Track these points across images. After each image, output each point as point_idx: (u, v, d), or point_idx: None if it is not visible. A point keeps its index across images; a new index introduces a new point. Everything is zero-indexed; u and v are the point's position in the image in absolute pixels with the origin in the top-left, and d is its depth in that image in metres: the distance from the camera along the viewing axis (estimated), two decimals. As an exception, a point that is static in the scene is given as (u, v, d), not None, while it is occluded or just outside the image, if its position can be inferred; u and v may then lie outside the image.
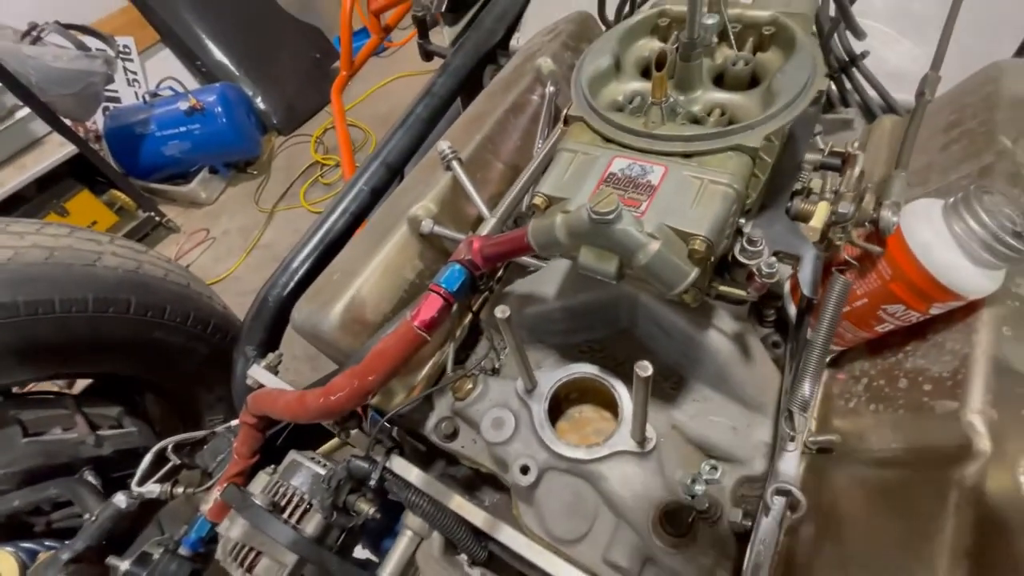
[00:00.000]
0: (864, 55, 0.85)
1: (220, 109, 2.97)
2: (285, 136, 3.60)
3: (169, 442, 0.99)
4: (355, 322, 0.70)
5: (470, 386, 0.69)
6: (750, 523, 0.58)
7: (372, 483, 0.74)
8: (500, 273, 0.83)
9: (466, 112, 0.93)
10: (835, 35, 0.82)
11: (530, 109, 0.91)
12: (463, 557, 0.74)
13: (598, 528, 0.63)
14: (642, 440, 0.59)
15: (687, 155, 0.49)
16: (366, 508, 0.78)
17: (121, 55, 3.00)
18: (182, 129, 2.96)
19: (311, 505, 0.78)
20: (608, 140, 0.52)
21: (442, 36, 1.47)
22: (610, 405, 0.70)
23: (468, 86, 1.22)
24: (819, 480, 0.57)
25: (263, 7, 3.47)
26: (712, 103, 0.52)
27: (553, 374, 0.67)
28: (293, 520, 0.75)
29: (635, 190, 0.48)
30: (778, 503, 0.55)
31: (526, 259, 0.79)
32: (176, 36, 3.16)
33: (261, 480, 0.80)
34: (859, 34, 0.76)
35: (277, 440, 0.96)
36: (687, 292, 0.52)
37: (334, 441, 0.99)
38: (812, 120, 0.60)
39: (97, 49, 2.40)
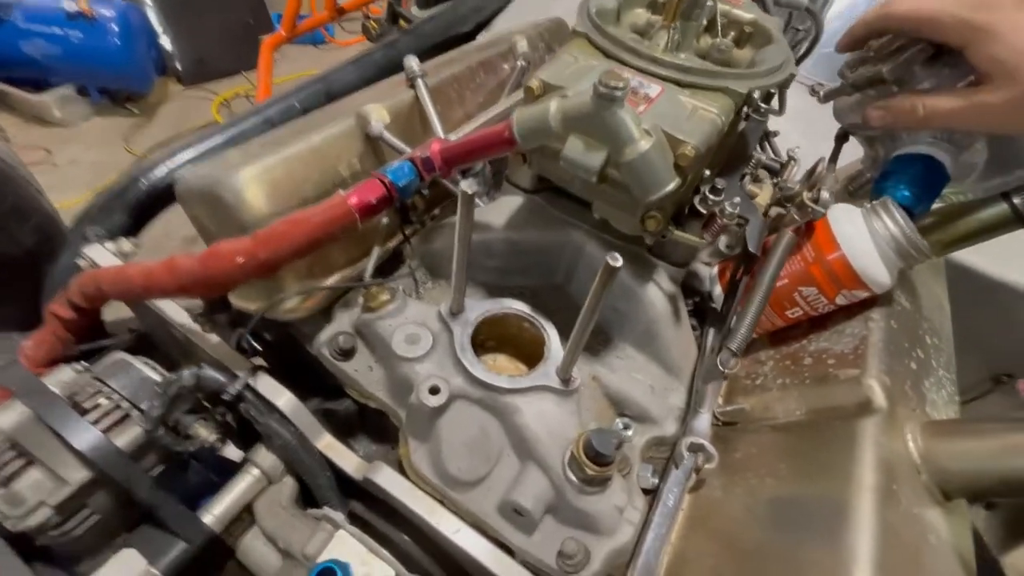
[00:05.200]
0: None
1: (116, 27, 2.58)
2: (185, 87, 3.22)
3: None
4: (268, 190, 0.58)
5: (387, 297, 0.61)
6: (657, 480, 0.56)
7: (226, 397, 0.60)
8: (436, 210, 0.78)
9: (436, 58, 0.91)
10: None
11: (499, 74, 0.91)
12: (318, 512, 0.61)
13: (498, 473, 0.56)
14: (568, 379, 0.56)
15: (681, 84, 0.51)
16: (204, 434, 0.62)
17: (4, -74, 2.52)
18: (57, 31, 2.50)
19: (130, 415, 0.60)
20: (608, 56, 0.53)
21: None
22: (527, 357, 0.65)
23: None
24: (724, 446, 0.57)
25: (205, -49, 3.20)
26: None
27: (482, 304, 0.61)
28: (100, 427, 0.57)
29: (633, 96, 0.48)
30: (689, 458, 0.54)
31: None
32: (87, -65, 2.75)
33: (65, 373, 0.60)
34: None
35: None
36: (652, 217, 0.52)
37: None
38: (760, 126, 0.68)
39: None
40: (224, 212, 0.58)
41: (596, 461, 0.48)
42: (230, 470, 0.65)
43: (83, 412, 0.57)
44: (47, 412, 0.53)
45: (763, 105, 0.64)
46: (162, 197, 0.82)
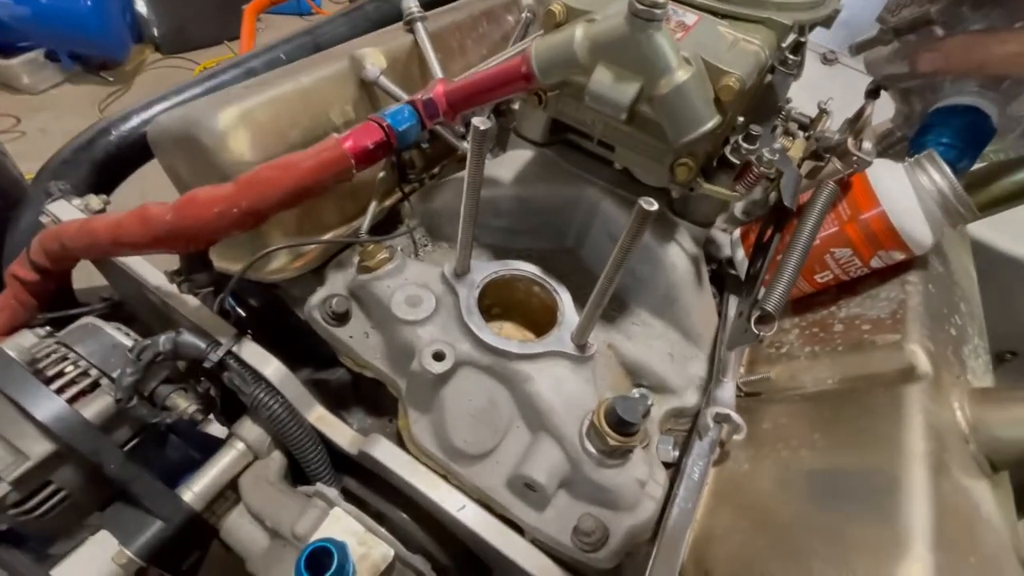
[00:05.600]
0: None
1: (88, -12, 2.43)
2: (163, 55, 3.07)
3: None
4: (252, 133, 0.52)
5: (385, 256, 0.55)
6: (678, 453, 0.52)
7: (207, 365, 0.54)
8: (436, 169, 0.72)
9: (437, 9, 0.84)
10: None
11: (503, 26, 0.85)
12: (309, 488, 0.56)
13: (507, 445, 0.51)
14: (583, 344, 0.51)
15: (718, 14, 0.45)
16: (183, 405, 0.57)
17: None
18: (24, -10, 2.34)
19: (100, 384, 0.54)
20: (637, -16, 0.47)
21: None
22: (535, 326, 0.61)
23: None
24: (749, 417, 0.53)
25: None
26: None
27: (489, 265, 0.56)
28: (65, 396, 0.51)
29: (666, 23, 0.43)
30: (714, 429, 0.50)
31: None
32: None
33: (26, 338, 0.54)
34: None
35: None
36: (684, 164, 0.47)
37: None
38: (787, 80, 0.63)
39: None
40: (202, 157, 0.52)
41: (620, 430, 0.43)
42: (213, 447, 0.60)
43: (47, 381, 0.51)
44: (3, 379, 0.47)
45: (791, 56, 0.59)
46: (135, 151, 0.75)
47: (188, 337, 0.55)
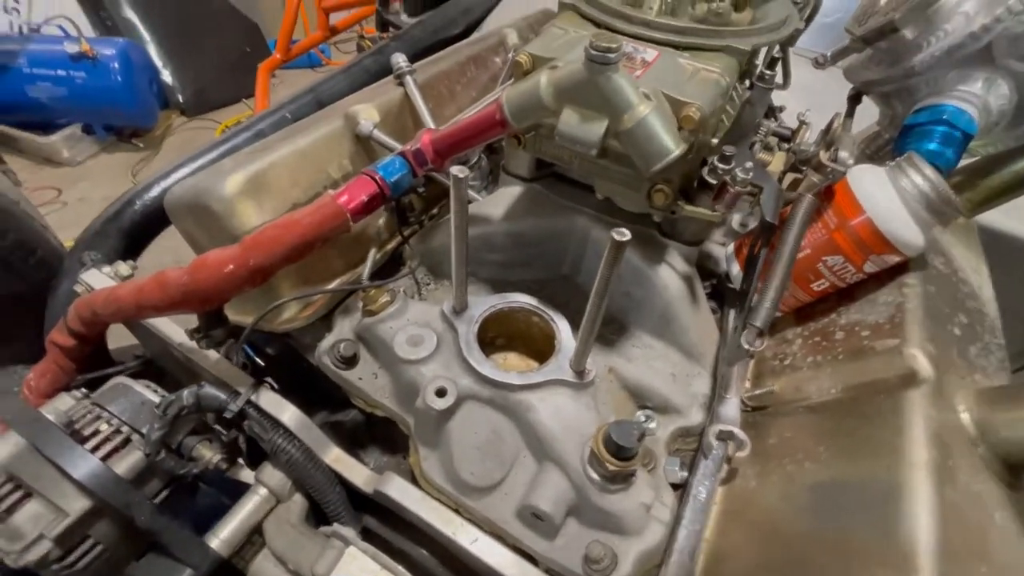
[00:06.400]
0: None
1: (118, 65, 2.63)
2: (188, 118, 3.27)
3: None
4: (256, 196, 0.56)
5: (387, 299, 0.58)
6: (686, 474, 0.52)
7: (227, 415, 0.57)
8: (435, 210, 0.75)
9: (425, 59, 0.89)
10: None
11: (490, 68, 0.89)
12: (328, 529, 0.58)
13: (515, 476, 0.52)
14: (582, 371, 0.52)
15: (678, 47, 0.48)
16: (208, 455, 0.60)
17: (5, -23, 2.59)
18: (61, 73, 2.55)
19: (131, 440, 0.58)
20: (599, 25, 0.50)
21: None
22: (539, 355, 0.62)
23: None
24: (756, 433, 0.53)
25: (200, -15, 3.26)
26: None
27: (486, 299, 0.58)
28: (99, 454, 0.54)
29: (628, 62, 0.45)
30: (719, 447, 0.50)
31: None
32: (84, -22, 2.82)
33: (64, 401, 0.59)
34: None
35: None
36: (660, 191, 0.49)
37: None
38: (766, 94, 0.64)
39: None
40: (213, 222, 0.56)
41: (618, 456, 0.44)
42: (241, 492, 0.63)
43: (82, 440, 0.55)
44: (43, 441, 0.51)
45: (767, 71, 0.60)
46: (159, 217, 0.81)
47: (209, 390, 0.59)
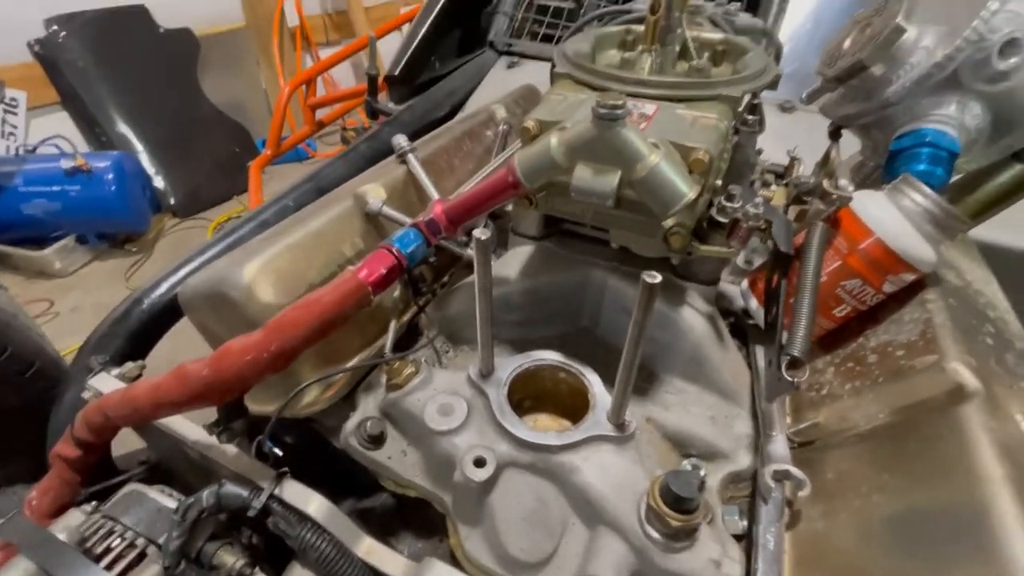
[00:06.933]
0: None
1: (112, 176, 2.71)
2: (180, 219, 3.34)
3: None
4: (274, 280, 0.56)
5: (411, 370, 0.57)
6: (746, 523, 0.49)
7: (251, 513, 0.54)
8: (446, 278, 0.76)
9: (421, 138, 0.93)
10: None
11: (484, 141, 0.93)
12: (367, 630, 0.53)
13: (566, 546, 0.49)
14: (622, 423, 0.51)
15: (674, 100, 0.51)
16: (231, 561, 0.55)
17: (6, 106, 2.73)
18: (55, 188, 2.62)
19: (147, 553, 0.53)
20: (595, 88, 0.53)
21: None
22: (570, 412, 0.60)
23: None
24: (809, 470, 0.51)
25: (190, 96, 3.46)
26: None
27: (512, 359, 0.57)
28: (114, 572, 0.50)
29: (629, 118, 0.48)
30: (777, 489, 0.48)
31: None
32: (79, 101, 2.97)
33: (74, 517, 0.55)
34: None
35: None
36: (676, 234, 0.50)
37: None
38: (753, 137, 0.67)
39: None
40: (231, 311, 0.56)
41: (679, 509, 0.41)
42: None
43: (96, 558, 0.51)
44: (55, 565, 0.47)
45: (750, 116, 0.64)
46: (167, 315, 0.80)
47: (231, 488, 0.55)
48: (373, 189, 0.70)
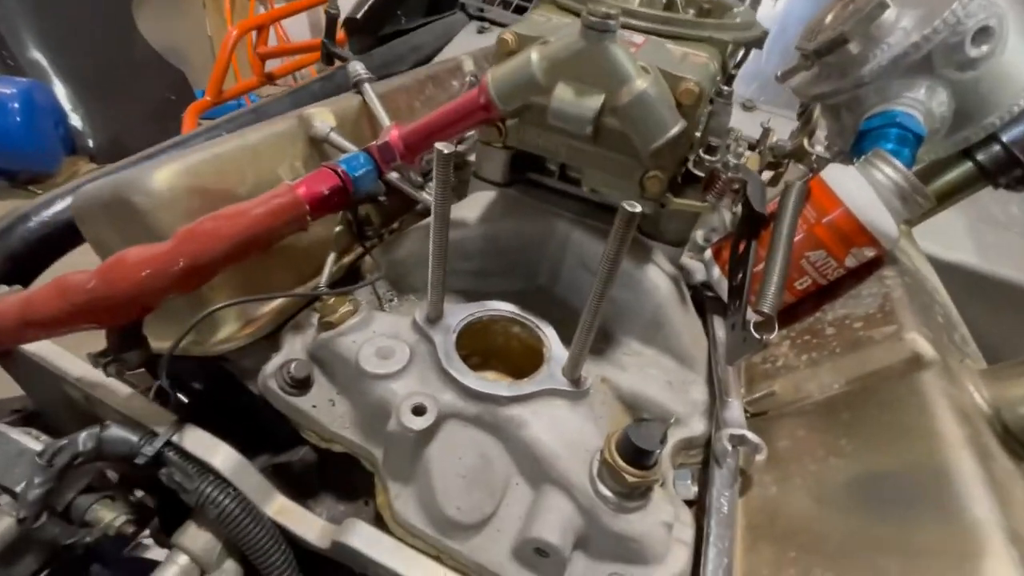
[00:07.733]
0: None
1: (17, 105, 2.41)
2: (99, 165, 3.01)
3: None
4: (193, 191, 0.48)
5: (349, 308, 0.50)
6: (696, 488, 0.47)
7: (140, 460, 0.46)
8: (395, 224, 0.69)
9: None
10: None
11: (448, 90, 0.87)
12: (272, 601, 0.46)
13: (507, 508, 0.44)
14: (578, 379, 0.47)
15: (663, 35, 0.47)
16: (108, 517, 0.47)
17: None
18: (-54, 111, 2.29)
19: (-1, 502, 0.44)
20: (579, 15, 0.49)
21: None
22: (519, 373, 0.56)
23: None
24: (763, 438, 0.49)
25: (122, 30, 3.13)
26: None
27: (464, 307, 0.52)
28: (-50, 521, 0.40)
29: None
30: (732, 454, 0.46)
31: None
32: (-14, 16, 2.61)
33: (-97, 457, 0.44)
34: None
35: None
36: (654, 177, 0.46)
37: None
38: (727, 108, 0.66)
39: None
40: (136, 222, 0.47)
41: (638, 463, 0.38)
42: (147, 572, 0.49)
43: (-73, 505, 0.41)
44: None
45: (726, 88, 0.62)
46: (62, 237, 0.68)
47: (116, 431, 0.47)
48: (321, 113, 0.63)
